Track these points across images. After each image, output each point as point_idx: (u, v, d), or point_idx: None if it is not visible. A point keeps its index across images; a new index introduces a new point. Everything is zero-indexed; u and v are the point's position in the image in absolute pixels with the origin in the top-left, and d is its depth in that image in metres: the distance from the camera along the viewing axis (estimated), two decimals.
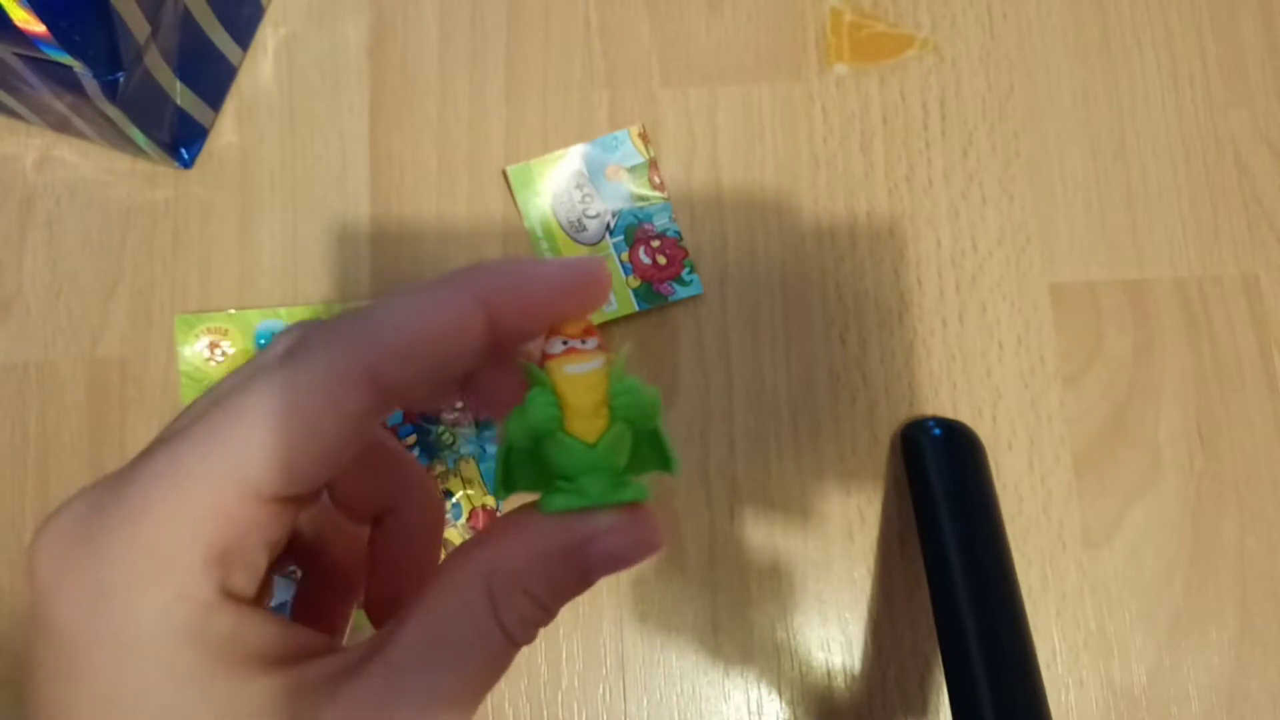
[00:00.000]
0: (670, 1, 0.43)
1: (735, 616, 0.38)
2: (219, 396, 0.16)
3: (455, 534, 0.37)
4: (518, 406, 0.17)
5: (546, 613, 0.17)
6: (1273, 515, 0.38)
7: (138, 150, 0.39)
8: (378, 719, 0.15)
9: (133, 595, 0.15)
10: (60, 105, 0.36)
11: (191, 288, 0.40)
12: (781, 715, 0.37)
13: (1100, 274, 0.40)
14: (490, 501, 0.38)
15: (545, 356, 0.18)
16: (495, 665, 0.16)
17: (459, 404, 0.38)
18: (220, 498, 0.15)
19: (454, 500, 0.38)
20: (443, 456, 0.38)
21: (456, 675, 0.16)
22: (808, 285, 0.40)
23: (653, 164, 0.41)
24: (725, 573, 0.38)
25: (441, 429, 0.38)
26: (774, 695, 0.37)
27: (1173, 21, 0.43)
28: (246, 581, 0.16)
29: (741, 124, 0.42)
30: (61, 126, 0.39)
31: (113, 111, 0.36)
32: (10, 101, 0.38)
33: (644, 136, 0.41)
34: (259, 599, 0.17)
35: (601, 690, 0.37)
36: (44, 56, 0.32)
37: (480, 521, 0.38)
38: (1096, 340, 0.40)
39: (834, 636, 0.37)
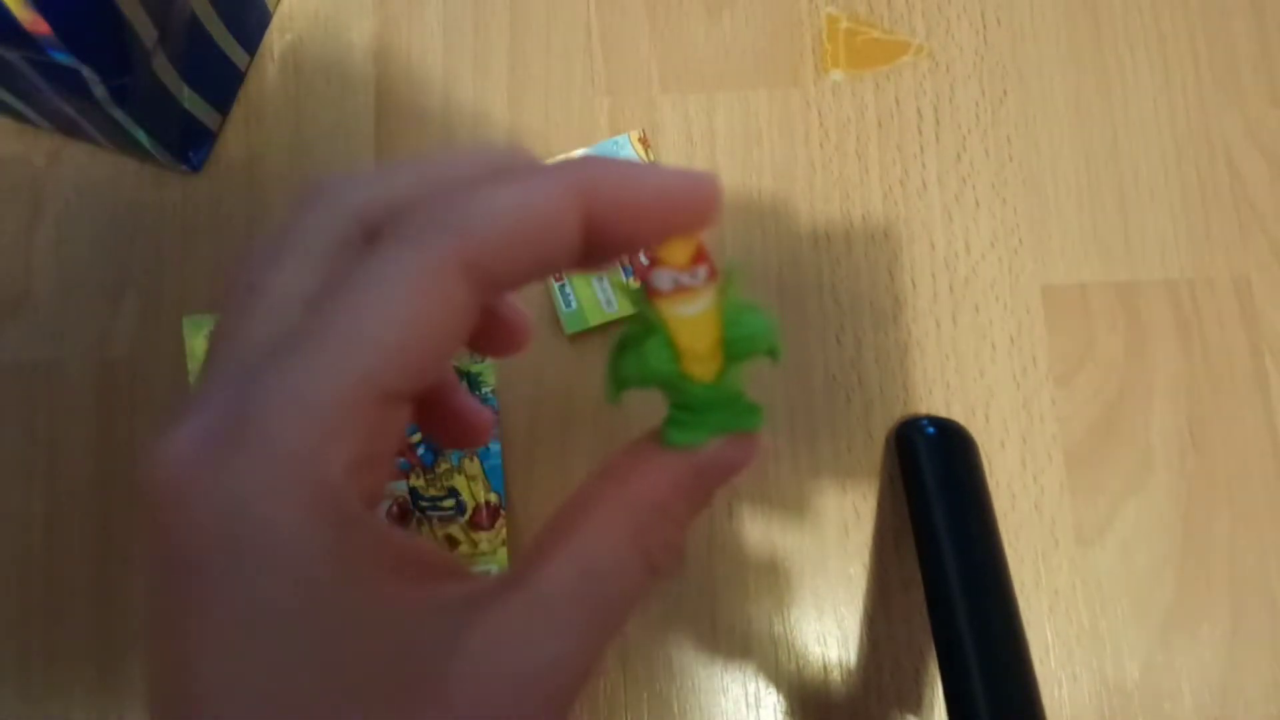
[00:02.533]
0: (670, 9, 0.43)
1: (733, 611, 0.38)
2: (331, 289, 0.15)
3: (458, 530, 0.38)
4: (633, 349, 0.17)
5: (683, 532, 0.17)
6: (1263, 514, 0.39)
7: (145, 154, 0.40)
8: (523, 649, 0.14)
9: (271, 508, 0.14)
10: (68, 109, 0.37)
11: (199, 289, 0.40)
12: (779, 708, 0.37)
13: (1092, 276, 0.41)
14: (494, 498, 0.38)
15: (651, 291, 0.16)
16: (637, 598, 0.16)
17: None
18: (353, 401, 0.14)
19: (459, 498, 0.38)
20: (446, 454, 0.39)
21: (602, 611, 0.15)
22: (804, 287, 0.41)
23: None
24: (723, 568, 0.38)
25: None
26: (771, 688, 0.37)
27: (1165, 26, 0.43)
28: (376, 490, 0.15)
29: (739, 129, 0.42)
30: (69, 129, 0.40)
31: (120, 115, 0.36)
32: (18, 105, 0.38)
33: (644, 141, 0.42)
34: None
35: (602, 684, 0.37)
36: (52, 61, 0.33)
37: (484, 518, 0.38)
38: (1088, 341, 0.40)
39: (830, 631, 0.38)
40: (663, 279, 0.16)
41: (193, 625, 0.14)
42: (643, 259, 0.17)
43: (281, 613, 0.14)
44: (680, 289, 0.16)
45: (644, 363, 0.17)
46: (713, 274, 0.17)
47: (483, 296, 0.15)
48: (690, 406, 0.17)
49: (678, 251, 0.16)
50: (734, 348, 0.17)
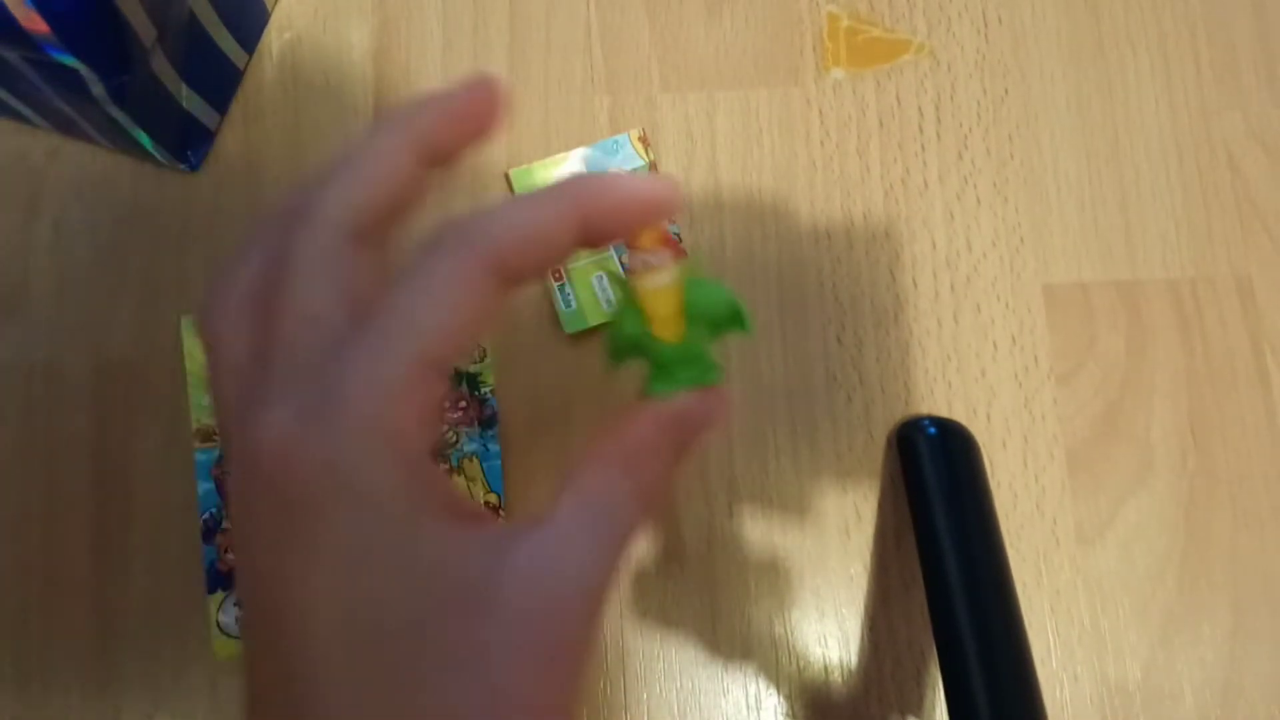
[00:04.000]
0: (670, 7, 0.43)
1: (733, 612, 0.38)
2: (383, 291, 0.19)
3: None
4: (613, 319, 0.21)
5: (668, 472, 0.21)
6: (1265, 513, 0.39)
7: (143, 153, 0.39)
8: (551, 569, 0.18)
9: (363, 461, 0.17)
10: (66, 108, 0.37)
11: (198, 289, 0.40)
12: (779, 709, 0.37)
13: (1093, 275, 0.41)
14: (494, 499, 0.38)
15: (628, 271, 0.21)
16: (637, 526, 0.20)
17: (462, 403, 0.39)
18: (415, 375, 0.18)
19: None
20: (447, 455, 0.38)
21: (608, 537, 0.19)
22: (805, 286, 0.41)
23: (653, 167, 0.41)
24: (724, 569, 0.38)
25: (445, 428, 0.38)
26: (772, 690, 0.37)
27: (1166, 24, 0.43)
28: (431, 438, 0.19)
29: (740, 128, 0.42)
30: (67, 129, 0.40)
31: (118, 115, 0.36)
32: (16, 104, 0.38)
33: (644, 140, 0.41)
34: None
35: (602, 684, 0.37)
36: (50, 60, 0.33)
37: None
38: (1089, 340, 0.40)
39: (831, 632, 0.38)
40: (635, 260, 0.21)
41: (300, 554, 0.17)
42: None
43: (374, 543, 0.17)
44: (648, 267, 0.21)
45: (621, 328, 0.21)
46: (676, 255, 0.21)
47: (505, 288, 0.19)
48: (662, 365, 0.21)
49: (646, 238, 0.21)
50: (693, 310, 0.21)
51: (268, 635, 0.18)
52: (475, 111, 0.21)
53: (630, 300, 0.21)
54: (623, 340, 0.21)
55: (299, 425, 0.17)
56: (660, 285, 0.20)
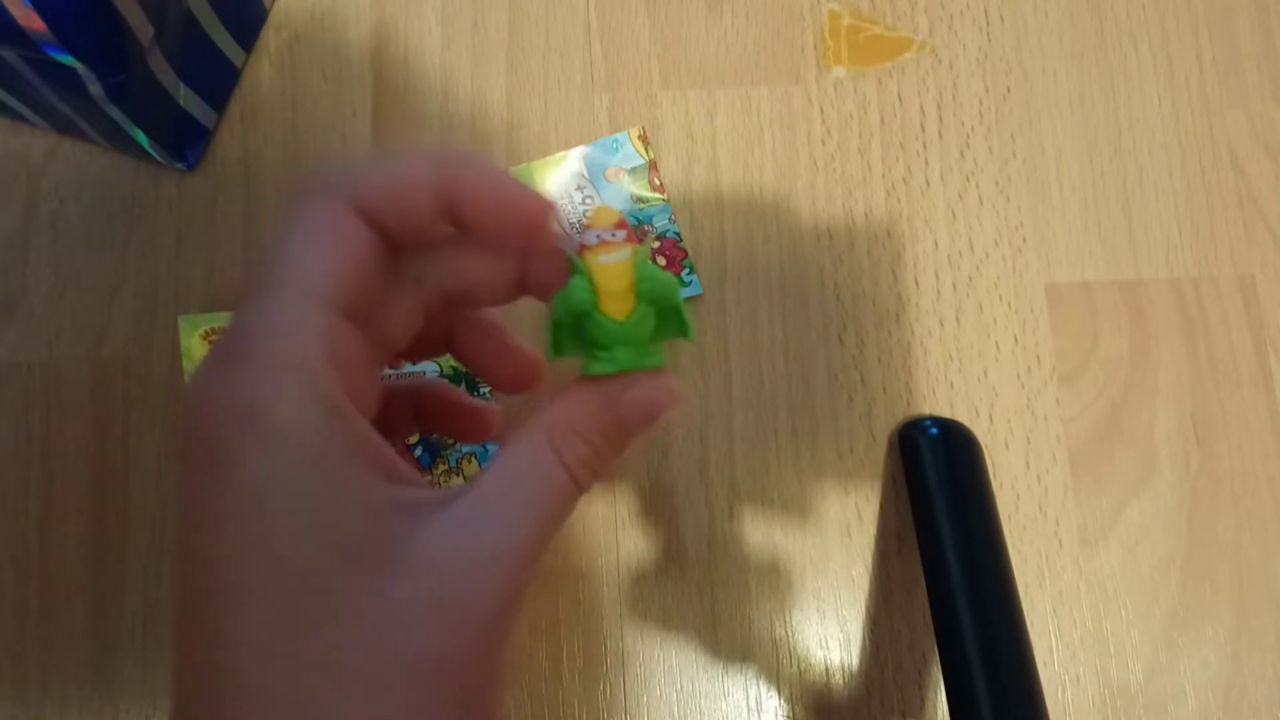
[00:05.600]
0: (670, 4, 0.43)
1: (734, 614, 0.38)
2: (271, 246, 0.20)
3: None
4: (561, 290, 0.21)
5: (597, 455, 0.21)
6: (1268, 514, 0.39)
7: (141, 152, 0.39)
8: (467, 536, 0.18)
9: (274, 398, 0.18)
10: (64, 107, 0.37)
11: (195, 288, 0.40)
12: (780, 712, 0.37)
13: (1096, 274, 0.41)
14: None
15: (582, 247, 0.21)
16: (561, 501, 0.20)
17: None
18: (313, 314, 0.19)
19: None
20: (445, 455, 0.38)
21: (530, 507, 0.19)
22: (806, 286, 0.40)
23: (653, 166, 0.41)
24: (724, 570, 0.38)
25: None
26: (773, 692, 0.37)
27: (1169, 24, 0.43)
28: (357, 394, 0.19)
29: (741, 126, 0.42)
30: (65, 128, 0.40)
31: (116, 113, 0.36)
32: (14, 103, 0.38)
33: (644, 138, 0.41)
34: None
35: (601, 686, 0.37)
36: (48, 59, 0.33)
37: None
38: (1092, 340, 0.40)
39: (832, 634, 0.38)
40: (589, 236, 0.21)
41: (213, 497, 0.18)
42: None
43: (286, 477, 0.17)
44: (602, 243, 0.21)
45: (569, 298, 0.21)
46: (631, 238, 0.21)
47: (379, 232, 0.20)
48: (604, 343, 0.21)
49: (603, 218, 0.21)
50: (644, 289, 0.20)
51: (188, 571, 0.18)
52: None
53: (579, 273, 0.21)
54: (568, 312, 0.21)
55: (214, 371, 0.18)
56: (613, 262, 0.20)
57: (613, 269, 0.20)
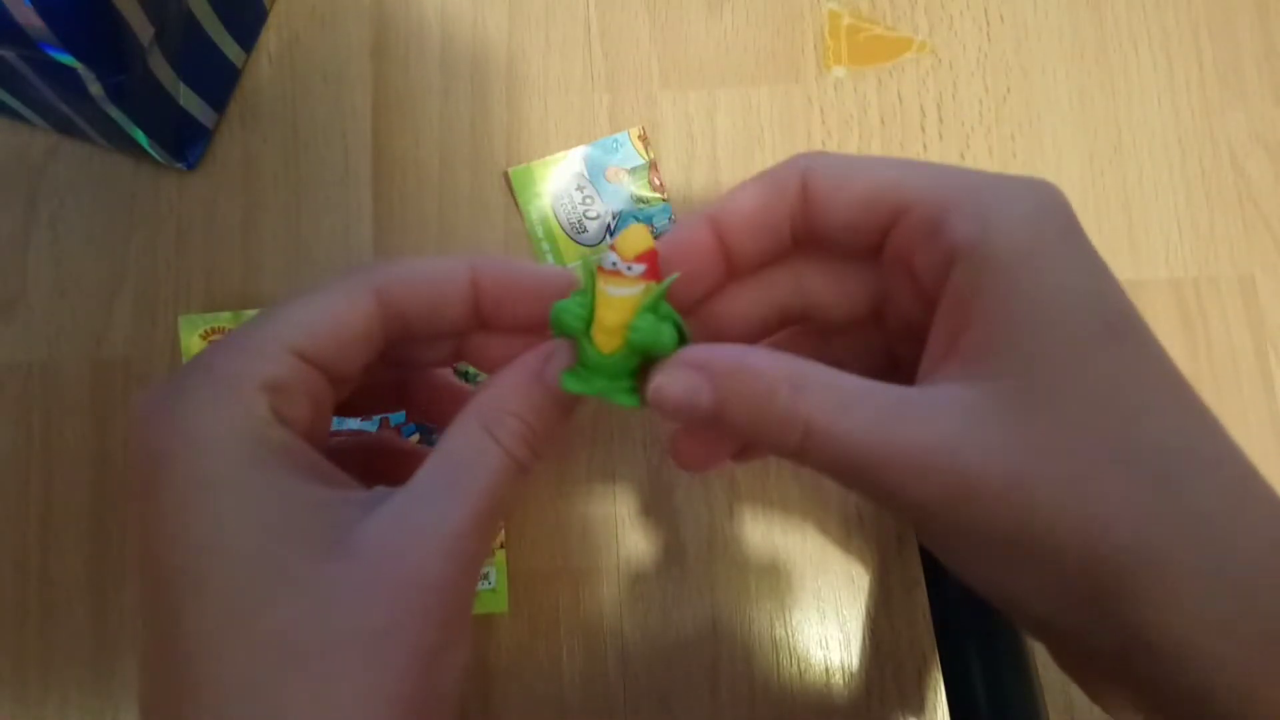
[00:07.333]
0: (670, 5, 0.43)
1: (734, 613, 0.38)
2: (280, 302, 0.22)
3: None
4: (561, 301, 0.21)
5: (531, 430, 0.22)
6: None
7: (140, 151, 0.39)
8: (409, 518, 0.20)
9: (207, 414, 0.19)
10: (64, 107, 0.37)
11: (195, 288, 0.40)
12: (780, 712, 0.37)
13: None
14: None
15: (600, 268, 0.21)
16: (499, 478, 0.21)
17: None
18: (265, 350, 0.20)
19: None
20: None
21: (467, 485, 0.20)
22: None
23: (653, 165, 0.41)
24: (724, 570, 0.38)
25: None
26: (773, 691, 0.37)
27: (1169, 24, 0.43)
28: (295, 416, 0.21)
29: (741, 126, 0.42)
30: (65, 128, 0.40)
31: (115, 113, 0.36)
32: (13, 103, 0.38)
33: (644, 138, 0.41)
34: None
35: (602, 687, 0.37)
36: (48, 58, 0.33)
37: None
38: None
39: (832, 634, 0.38)
40: (607, 259, 0.21)
41: (155, 493, 0.19)
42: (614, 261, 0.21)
43: (225, 476, 0.19)
44: (616, 272, 0.20)
45: (565, 310, 0.21)
46: (650, 276, 0.21)
47: (392, 317, 0.22)
48: (585, 365, 0.21)
49: (627, 244, 0.20)
50: (634, 336, 0.20)
51: (145, 570, 0.19)
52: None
53: (586, 291, 0.21)
54: (561, 322, 0.21)
55: (168, 388, 0.20)
56: (618, 295, 0.20)
57: (616, 301, 0.20)
